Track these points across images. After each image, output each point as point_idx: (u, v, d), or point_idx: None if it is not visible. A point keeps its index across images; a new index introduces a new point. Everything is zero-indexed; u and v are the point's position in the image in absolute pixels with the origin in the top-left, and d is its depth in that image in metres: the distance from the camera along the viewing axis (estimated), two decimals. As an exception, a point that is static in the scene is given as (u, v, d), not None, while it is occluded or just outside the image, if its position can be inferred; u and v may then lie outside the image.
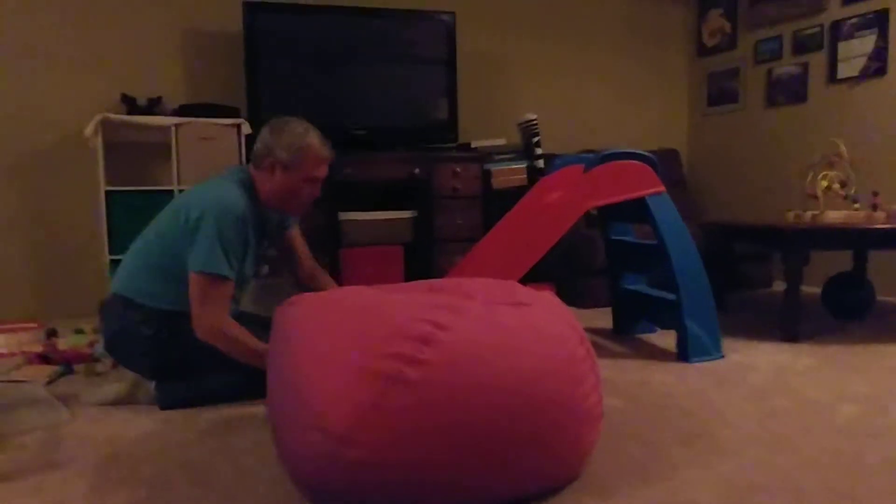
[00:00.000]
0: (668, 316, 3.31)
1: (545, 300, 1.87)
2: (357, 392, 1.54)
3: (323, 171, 2.73)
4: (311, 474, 1.62)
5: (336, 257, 4.39)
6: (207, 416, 2.47)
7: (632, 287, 3.69)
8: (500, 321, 1.70)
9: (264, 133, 2.71)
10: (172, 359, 2.60)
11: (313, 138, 2.68)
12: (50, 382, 2.91)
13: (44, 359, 3.20)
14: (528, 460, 1.66)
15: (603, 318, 4.01)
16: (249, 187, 2.69)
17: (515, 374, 1.62)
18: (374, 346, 1.60)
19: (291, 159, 2.64)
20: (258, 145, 2.70)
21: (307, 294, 1.95)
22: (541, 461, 1.69)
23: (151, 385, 2.60)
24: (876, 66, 4.75)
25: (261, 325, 2.67)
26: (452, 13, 4.91)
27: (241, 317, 2.76)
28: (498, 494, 1.67)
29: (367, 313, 1.71)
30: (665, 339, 3.56)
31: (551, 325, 1.77)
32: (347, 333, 1.67)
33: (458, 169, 4.69)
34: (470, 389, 1.57)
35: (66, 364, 3.09)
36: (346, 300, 1.83)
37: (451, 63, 4.91)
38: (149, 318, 2.58)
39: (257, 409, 2.53)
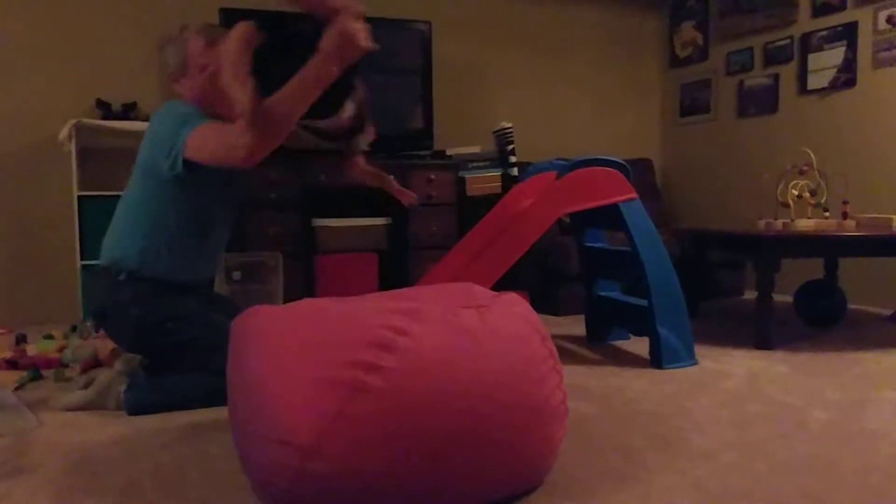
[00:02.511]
0: (641, 323, 3.32)
1: (504, 301, 1.86)
2: (319, 403, 1.52)
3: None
4: (276, 487, 1.60)
5: (310, 264, 4.38)
6: (177, 421, 2.45)
7: (605, 294, 3.71)
8: (460, 324, 1.68)
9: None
10: (156, 343, 2.61)
11: (189, 33, 2.66)
12: (18, 388, 2.87)
13: (12, 364, 3.16)
14: (496, 462, 1.65)
15: (577, 325, 4.02)
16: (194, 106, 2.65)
17: (478, 377, 1.61)
18: (334, 355, 1.58)
19: (181, 61, 2.64)
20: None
21: (263, 306, 1.92)
22: (509, 462, 1.69)
23: (120, 390, 2.57)
24: (845, 78, 4.82)
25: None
26: (428, 22, 4.92)
27: (215, 301, 2.79)
28: (469, 499, 1.66)
29: (325, 323, 1.69)
30: (638, 345, 3.57)
31: (511, 325, 1.76)
32: (307, 344, 1.64)
33: (433, 176, 4.69)
34: (433, 394, 1.56)
35: (35, 369, 3.05)
36: (304, 311, 1.81)
37: (426, 71, 4.92)
38: (138, 296, 2.58)
39: (225, 414, 2.48)
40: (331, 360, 1.57)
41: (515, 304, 1.88)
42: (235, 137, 2.24)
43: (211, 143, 2.37)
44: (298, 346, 1.65)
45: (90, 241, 4.03)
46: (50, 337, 3.64)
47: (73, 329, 3.79)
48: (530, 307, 1.92)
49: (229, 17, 4.43)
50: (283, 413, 1.55)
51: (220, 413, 2.51)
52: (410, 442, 1.54)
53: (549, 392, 1.76)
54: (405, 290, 2.06)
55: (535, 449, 1.74)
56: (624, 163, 3.28)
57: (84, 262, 4.01)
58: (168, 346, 2.61)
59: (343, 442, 1.50)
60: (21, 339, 3.56)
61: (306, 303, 1.87)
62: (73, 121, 4.03)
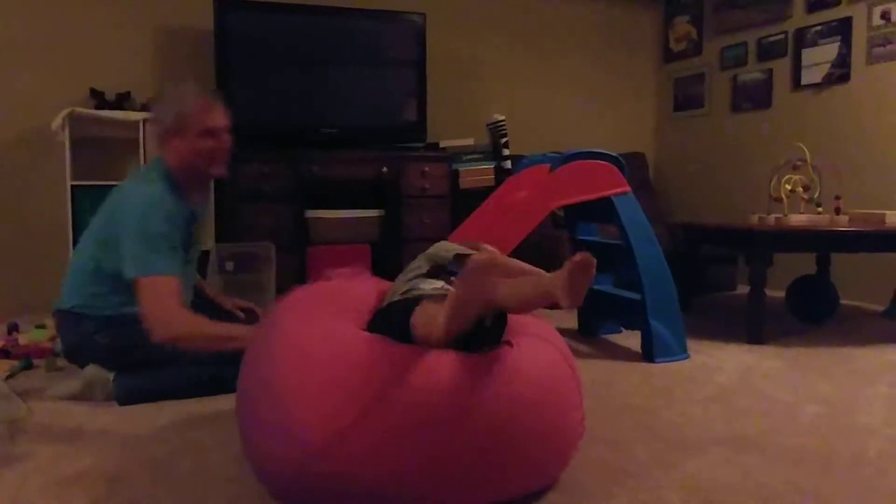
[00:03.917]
0: (633, 316, 3.33)
1: (536, 326, 1.87)
2: (337, 408, 1.52)
3: (215, 120, 2.63)
4: (279, 479, 1.62)
5: (303, 255, 4.37)
6: (168, 411, 2.44)
7: (597, 287, 3.70)
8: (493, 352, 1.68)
9: (151, 113, 2.69)
10: (133, 360, 2.58)
11: (186, 93, 2.61)
12: (9, 377, 2.86)
13: (4, 353, 3.15)
14: (508, 478, 1.66)
15: (569, 318, 4.02)
16: (168, 178, 2.62)
17: (505, 402, 1.61)
18: (360, 362, 1.58)
19: (175, 121, 2.58)
20: (151, 128, 2.67)
21: (295, 296, 1.92)
22: (521, 478, 1.69)
23: (109, 380, 2.56)
24: (839, 73, 4.82)
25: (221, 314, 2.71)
26: (423, 14, 4.91)
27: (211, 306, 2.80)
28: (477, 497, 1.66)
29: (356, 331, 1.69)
30: (630, 339, 3.58)
31: (544, 353, 1.78)
32: (334, 348, 1.64)
33: (427, 168, 4.69)
34: (455, 417, 1.55)
35: (27, 359, 3.05)
36: (341, 300, 1.80)
37: (420, 63, 4.91)
38: (101, 327, 2.57)
39: (218, 404, 2.50)
40: (356, 367, 1.57)
41: (547, 332, 1.90)
42: (161, 321, 2.39)
43: (148, 300, 2.41)
44: (325, 349, 1.64)
45: (83, 231, 3.99)
46: (42, 326, 3.63)
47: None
48: (558, 334, 1.94)
49: (224, 9, 4.42)
50: (299, 411, 1.55)
51: (209, 403, 2.51)
52: (423, 457, 1.54)
53: (572, 417, 1.78)
54: None
55: (549, 467, 1.76)
56: (618, 156, 3.28)
57: (76, 252, 4.00)
58: (147, 355, 2.57)
59: (354, 448, 1.51)
60: (13, 329, 3.54)
61: (345, 286, 1.85)
62: (67, 110, 4.00)
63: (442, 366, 1.58)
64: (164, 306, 2.41)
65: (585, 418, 1.87)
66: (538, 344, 1.81)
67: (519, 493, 1.69)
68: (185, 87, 2.63)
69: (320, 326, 1.72)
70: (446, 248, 2.10)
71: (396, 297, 1.85)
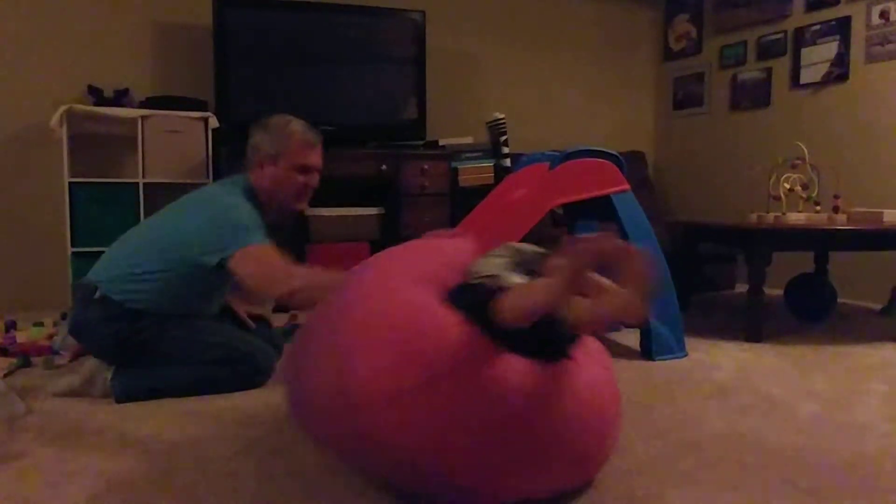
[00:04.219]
0: (632, 314, 3.32)
1: (589, 348, 1.88)
2: (400, 370, 1.54)
3: (313, 159, 2.77)
4: (330, 435, 1.66)
5: (302, 253, 4.37)
6: (166, 408, 2.44)
7: (597, 286, 3.70)
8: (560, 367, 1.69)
9: (251, 134, 2.77)
10: (131, 355, 2.57)
11: (296, 126, 2.73)
12: (7, 374, 2.86)
13: (2, 351, 3.14)
14: (541, 481, 1.66)
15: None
16: (252, 196, 2.71)
17: (561, 411, 1.63)
18: (435, 334, 1.58)
19: (277, 149, 2.69)
20: (248, 148, 2.76)
21: (373, 263, 1.91)
22: (554, 484, 1.70)
23: (107, 377, 2.56)
24: (838, 73, 4.82)
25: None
26: (422, 12, 4.91)
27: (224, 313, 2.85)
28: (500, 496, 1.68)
29: (431, 306, 1.68)
30: (629, 337, 3.57)
31: (598, 371, 1.81)
32: (412, 310, 1.64)
33: (426, 166, 4.69)
34: (515, 413, 1.57)
35: (25, 356, 3.04)
36: (429, 263, 1.81)
37: (420, 61, 4.91)
38: (111, 316, 2.55)
39: (215, 402, 2.50)
40: (428, 336, 1.57)
41: (598, 351, 1.91)
42: (281, 277, 2.41)
43: (253, 266, 2.46)
44: (400, 313, 1.64)
45: (81, 228, 4.01)
46: (40, 324, 3.62)
47: (63, 316, 3.78)
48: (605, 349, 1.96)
49: (223, 5, 4.42)
50: (361, 366, 1.56)
51: (207, 401, 2.51)
52: (471, 442, 1.54)
53: (615, 427, 1.82)
54: None
55: (586, 471, 1.78)
56: (617, 154, 3.28)
57: (75, 249, 3.99)
58: (146, 352, 2.58)
59: (407, 414, 1.52)
60: (11, 326, 3.54)
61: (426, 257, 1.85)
62: (65, 107, 4.00)
63: (514, 364, 1.58)
64: (274, 265, 2.46)
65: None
66: (593, 363, 1.82)
67: (544, 495, 1.69)
68: (292, 120, 2.75)
69: (401, 290, 1.71)
70: (529, 247, 2.09)
71: (478, 279, 1.81)
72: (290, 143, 2.71)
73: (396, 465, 1.58)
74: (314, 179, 2.81)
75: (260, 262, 2.47)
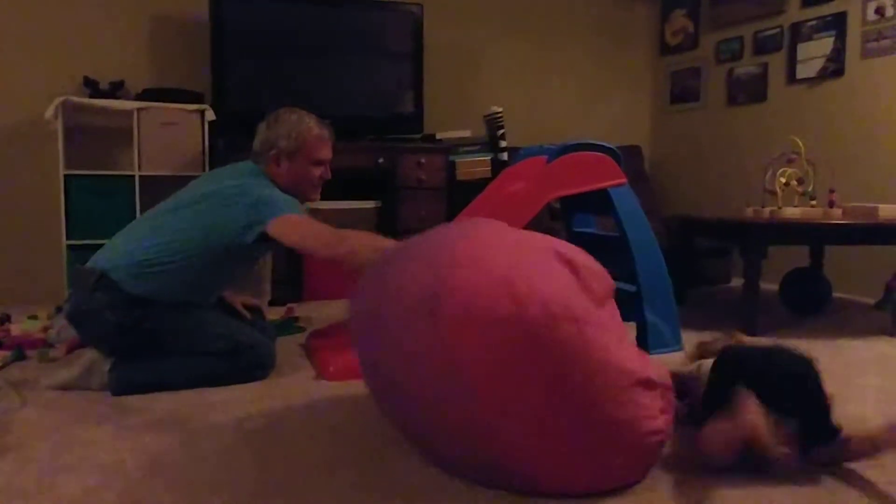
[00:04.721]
0: (628, 307, 3.32)
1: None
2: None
3: (327, 153, 2.84)
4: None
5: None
6: (162, 402, 2.44)
7: (593, 279, 3.70)
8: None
9: (261, 129, 2.81)
10: (135, 343, 2.57)
11: (310, 121, 2.79)
12: (2, 368, 2.86)
13: (-4, 344, 3.14)
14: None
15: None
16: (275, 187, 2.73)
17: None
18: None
19: (293, 146, 2.74)
20: (257, 143, 2.79)
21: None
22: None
23: (104, 370, 2.55)
24: (833, 68, 4.82)
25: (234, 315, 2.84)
26: (420, 5, 4.90)
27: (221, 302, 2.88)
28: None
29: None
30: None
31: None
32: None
33: (423, 160, 4.68)
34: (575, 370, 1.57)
35: (19, 349, 3.03)
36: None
37: (418, 54, 4.90)
38: (115, 304, 2.53)
39: (213, 396, 2.50)
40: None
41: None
42: (335, 242, 2.43)
43: (304, 231, 2.50)
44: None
45: (76, 221, 4.00)
46: (34, 317, 3.63)
47: (58, 309, 3.76)
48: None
49: (219, -3, 4.41)
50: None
51: (204, 395, 2.51)
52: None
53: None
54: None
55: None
56: (614, 148, 3.28)
57: (70, 242, 3.98)
58: (147, 342, 2.57)
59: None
60: (5, 319, 3.54)
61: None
62: (60, 99, 3.99)
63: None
64: (322, 228, 2.49)
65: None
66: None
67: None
68: (305, 115, 2.82)
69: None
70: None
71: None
72: (307, 138, 2.77)
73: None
74: (327, 171, 2.87)
75: (304, 226, 2.50)
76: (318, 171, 2.83)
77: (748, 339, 2.23)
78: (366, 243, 2.38)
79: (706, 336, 3.27)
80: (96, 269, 2.56)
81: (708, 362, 2.10)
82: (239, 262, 2.75)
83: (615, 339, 1.65)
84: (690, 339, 3.35)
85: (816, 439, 1.79)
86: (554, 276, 1.65)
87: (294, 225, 2.50)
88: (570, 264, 1.70)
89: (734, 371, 1.89)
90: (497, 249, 1.70)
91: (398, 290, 1.73)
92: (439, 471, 1.82)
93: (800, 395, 1.80)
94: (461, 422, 1.63)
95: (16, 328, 3.39)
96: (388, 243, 2.33)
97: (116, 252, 2.61)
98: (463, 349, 1.58)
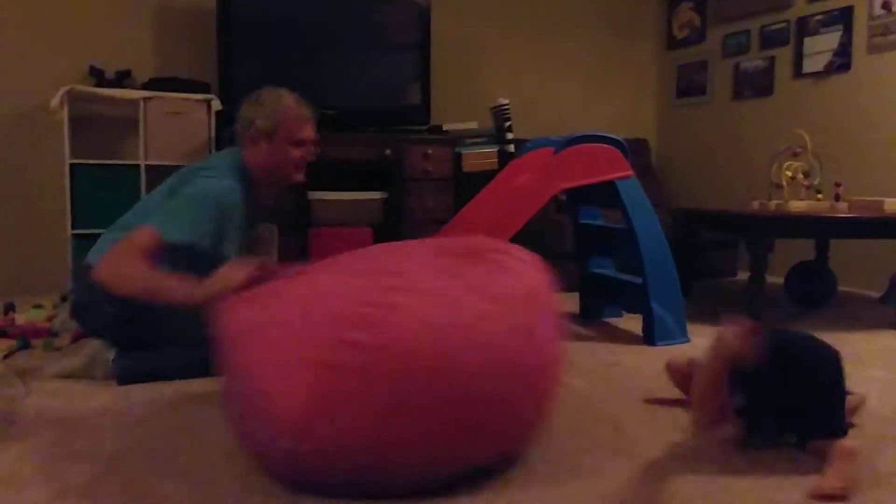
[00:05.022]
0: (634, 300, 3.33)
1: (512, 254, 1.87)
2: (305, 384, 1.52)
3: (308, 132, 2.74)
4: (276, 468, 1.64)
5: (305, 236, 4.36)
6: (168, 391, 2.44)
7: (599, 271, 3.71)
8: (452, 292, 1.66)
9: (241, 109, 2.72)
10: (136, 335, 2.56)
11: (288, 100, 2.69)
12: (7, 357, 2.86)
13: (1, 333, 3.14)
14: (488, 427, 1.65)
15: (570, 302, 4.03)
16: (244, 174, 2.67)
17: (473, 344, 1.59)
18: (317, 334, 1.57)
19: (272, 125, 2.64)
20: (238, 123, 2.72)
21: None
22: (504, 424, 1.69)
23: (109, 359, 2.56)
24: (840, 62, 4.81)
25: None
26: (427, -3, 4.90)
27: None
28: (462, 463, 1.68)
29: (309, 303, 1.68)
30: (632, 323, 3.58)
31: (519, 283, 1.76)
32: (291, 325, 1.63)
33: (430, 151, 4.68)
34: (422, 368, 1.54)
35: (24, 339, 3.03)
36: (288, 291, 1.78)
37: (425, 46, 4.89)
38: (113, 297, 2.52)
39: (218, 386, 2.49)
40: (315, 340, 1.56)
41: (523, 259, 1.88)
42: (124, 265, 2.33)
43: (126, 240, 2.39)
44: (284, 328, 1.64)
45: (81, 210, 3.99)
46: (39, 307, 3.63)
47: (63, 298, 3.76)
48: (538, 260, 1.92)
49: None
50: (273, 397, 1.55)
51: (208, 384, 2.50)
52: (400, 415, 1.53)
53: (551, 351, 1.78)
54: (402, 246, 2.01)
55: (531, 409, 1.76)
56: (621, 140, 3.28)
57: (75, 231, 3.97)
58: (150, 332, 2.57)
59: (332, 420, 1.51)
60: (10, 308, 3.54)
61: (288, 282, 1.84)
62: (66, 88, 3.98)
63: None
64: (126, 250, 2.36)
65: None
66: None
67: (496, 443, 1.72)
68: (284, 94, 2.70)
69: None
70: None
71: None
72: (284, 118, 2.67)
73: (362, 470, 1.58)
74: (310, 152, 2.78)
75: (128, 242, 2.37)
76: (298, 152, 2.73)
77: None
78: (155, 289, 2.28)
79: (707, 327, 3.27)
80: (90, 265, 2.57)
81: None
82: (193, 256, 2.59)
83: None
84: (697, 331, 3.36)
85: (818, 430, 1.79)
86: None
87: (127, 240, 2.37)
88: None
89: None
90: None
91: None
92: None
93: (818, 382, 1.81)
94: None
95: (20, 317, 3.39)
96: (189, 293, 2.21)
97: (106, 246, 2.61)
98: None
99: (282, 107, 2.67)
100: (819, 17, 4.94)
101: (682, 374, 2.28)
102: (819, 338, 2.00)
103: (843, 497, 1.60)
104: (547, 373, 1.77)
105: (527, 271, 1.84)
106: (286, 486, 1.64)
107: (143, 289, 2.30)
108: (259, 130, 2.66)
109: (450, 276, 1.71)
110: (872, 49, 4.62)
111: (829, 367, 1.87)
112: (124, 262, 2.33)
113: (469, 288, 1.68)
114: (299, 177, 2.80)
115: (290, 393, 1.53)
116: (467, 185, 4.60)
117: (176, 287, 2.23)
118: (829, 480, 1.64)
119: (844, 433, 1.78)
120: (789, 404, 1.82)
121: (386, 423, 1.53)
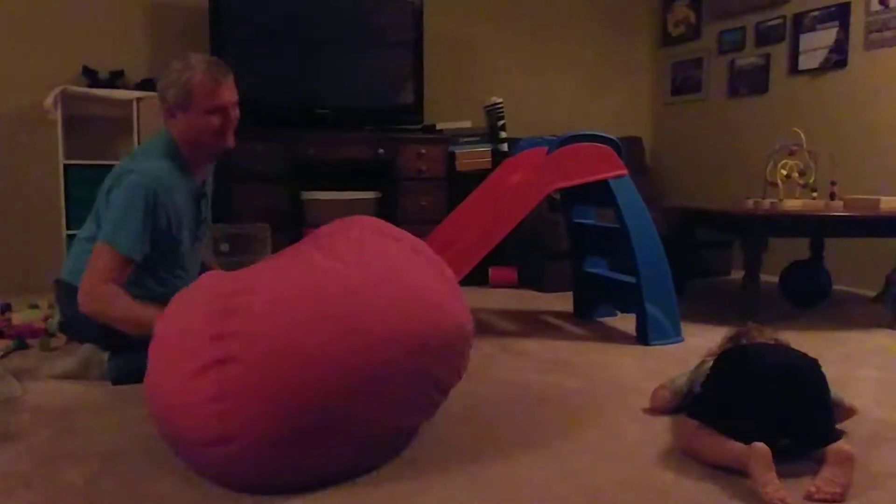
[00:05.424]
0: (628, 299, 3.33)
1: (367, 225, 1.92)
2: (199, 391, 1.54)
3: (224, 97, 2.55)
4: (222, 480, 1.65)
5: (298, 236, 4.35)
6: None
7: (592, 270, 3.71)
8: (317, 266, 1.70)
9: (157, 84, 2.61)
10: (126, 341, 2.56)
11: (195, 69, 2.51)
12: (3, 357, 2.86)
13: (-3, 333, 3.15)
14: (395, 392, 1.66)
15: (564, 301, 4.03)
16: (175, 150, 2.58)
17: (349, 314, 1.61)
18: (194, 341, 1.59)
19: (183, 96, 2.50)
20: (157, 98, 2.61)
21: None
22: (407, 393, 1.70)
23: (104, 360, 2.56)
24: (836, 59, 4.81)
25: None
26: (420, -5, 4.89)
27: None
28: (385, 427, 1.71)
29: (185, 313, 1.70)
30: (625, 322, 3.58)
31: (385, 256, 1.79)
32: (174, 341, 1.66)
33: (423, 150, 4.68)
34: (301, 344, 1.55)
35: (20, 338, 3.04)
36: (176, 305, 1.80)
37: (418, 45, 4.88)
38: None
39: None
40: (190, 349, 1.58)
41: (356, 221, 1.92)
42: (84, 287, 2.38)
43: (91, 265, 2.40)
44: (166, 352, 1.67)
45: (76, 210, 3.99)
46: (35, 306, 3.62)
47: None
48: (393, 227, 1.96)
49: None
50: (180, 418, 1.58)
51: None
52: (298, 394, 1.53)
53: (448, 312, 1.78)
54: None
55: (440, 371, 1.77)
56: (615, 139, 3.28)
57: (70, 232, 3.97)
58: (142, 340, 2.57)
59: (240, 415, 1.52)
60: (6, 309, 3.53)
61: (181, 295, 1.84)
62: (59, 88, 3.98)
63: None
64: (94, 279, 2.37)
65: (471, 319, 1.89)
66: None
67: (411, 412, 1.78)
68: (193, 60, 2.53)
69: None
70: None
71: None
72: (193, 86, 2.50)
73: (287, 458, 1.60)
74: (232, 115, 2.60)
75: (93, 267, 2.39)
76: (216, 119, 2.53)
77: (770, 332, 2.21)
78: (118, 316, 2.36)
79: (701, 326, 3.28)
80: (64, 282, 2.59)
81: (709, 361, 2.10)
82: (164, 252, 2.58)
83: None
84: (690, 330, 3.37)
85: (809, 443, 1.78)
86: None
87: (91, 266, 2.40)
88: None
89: (737, 369, 1.89)
90: None
91: None
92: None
93: (800, 398, 1.80)
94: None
95: (17, 317, 3.38)
96: (146, 316, 2.23)
97: (71, 259, 2.64)
98: None
99: (189, 75, 2.50)
100: (815, 13, 4.93)
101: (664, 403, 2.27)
102: (795, 350, 1.99)
103: (838, 500, 1.61)
104: (454, 333, 1.78)
105: (398, 249, 1.86)
106: (249, 492, 1.65)
107: (124, 325, 2.37)
108: (173, 103, 2.53)
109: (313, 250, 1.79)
110: (869, 45, 4.61)
111: (807, 378, 1.85)
112: (98, 297, 2.37)
113: (316, 250, 1.75)
114: (224, 143, 2.61)
115: (190, 406, 1.55)
116: (461, 185, 4.60)
117: (147, 319, 2.19)
118: (824, 484, 1.63)
119: (836, 438, 1.77)
120: (777, 420, 1.79)
121: (289, 404, 1.53)
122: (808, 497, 1.63)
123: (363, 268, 1.70)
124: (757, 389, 1.80)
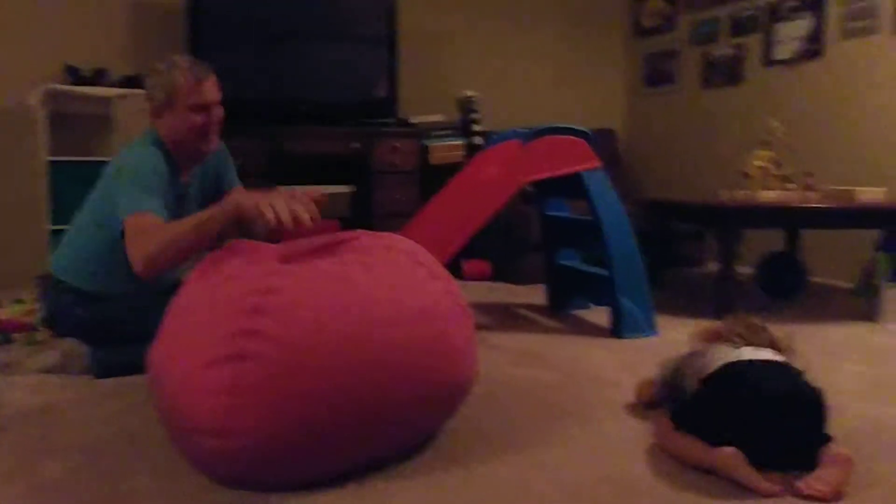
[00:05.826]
0: (601, 292, 3.34)
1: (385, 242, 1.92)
2: (213, 383, 1.54)
3: (206, 96, 2.57)
4: (215, 472, 1.66)
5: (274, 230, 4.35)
6: (144, 385, 2.42)
7: (566, 263, 3.72)
8: (337, 271, 1.71)
9: (144, 84, 2.63)
10: (110, 336, 2.57)
11: (179, 67, 2.54)
12: (-14, 351, 2.87)
13: (-18, 328, 3.13)
14: (407, 396, 1.68)
15: (538, 294, 4.04)
16: (162, 146, 2.59)
17: (367, 319, 1.63)
18: (214, 332, 1.59)
19: (167, 95, 2.53)
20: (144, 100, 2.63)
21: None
22: (418, 401, 1.72)
23: (86, 354, 2.58)
24: (812, 49, 4.81)
25: None
26: (393, -11, 4.88)
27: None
28: (390, 442, 1.73)
29: (203, 303, 1.70)
30: (599, 315, 3.58)
31: (396, 266, 1.81)
32: (191, 329, 1.66)
33: (397, 144, 4.68)
34: (320, 344, 1.57)
35: (5, 333, 3.05)
36: (185, 296, 1.80)
37: (391, 39, 4.88)
38: (81, 300, 2.56)
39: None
40: (212, 338, 1.58)
41: (397, 243, 1.92)
42: (141, 249, 2.19)
43: (132, 234, 2.27)
44: (184, 333, 1.66)
45: (60, 206, 3.99)
46: (20, 301, 3.61)
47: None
48: (414, 244, 1.96)
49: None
50: (186, 403, 1.57)
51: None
52: (314, 395, 1.55)
53: (466, 365, 1.83)
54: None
55: (443, 380, 1.78)
56: (588, 131, 3.28)
57: (54, 227, 3.98)
58: (124, 331, 2.56)
59: (249, 413, 1.52)
60: (-10, 303, 3.53)
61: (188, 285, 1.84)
62: (43, 86, 4.00)
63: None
64: (138, 243, 2.24)
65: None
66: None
67: (420, 419, 1.78)
68: (177, 61, 2.56)
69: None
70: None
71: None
72: (176, 86, 2.53)
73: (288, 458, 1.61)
74: (215, 115, 2.62)
75: (136, 234, 2.26)
76: (199, 118, 2.55)
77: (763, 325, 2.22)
78: (177, 241, 2.16)
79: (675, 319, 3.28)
80: (51, 276, 2.60)
81: (699, 354, 2.07)
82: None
83: None
84: (664, 323, 3.37)
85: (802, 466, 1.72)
86: None
87: (133, 234, 2.26)
88: None
89: (733, 396, 1.81)
90: None
91: None
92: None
93: (800, 433, 1.76)
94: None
95: (2, 312, 3.37)
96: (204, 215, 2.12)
97: (60, 253, 2.65)
98: None
99: (173, 75, 2.53)
100: (790, 3, 4.92)
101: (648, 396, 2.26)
102: (795, 371, 1.94)
103: (827, 499, 1.59)
104: (458, 343, 1.81)
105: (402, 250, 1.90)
106: (232, 486, 1.65)
107: (185, 244, 2.16)
108: (157, 103, 2.56)
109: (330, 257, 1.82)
110: (845, 35, 4.58)
111: (809, 411, 1.79)
112: (149, 242, 2.19)
113: (357, 265, 1.76)
114: (208, 143, 2.63)
115: (201, 395, 1.55)
116: (435, 178, 4.60)
117: (202, 222, 2.11)
118: (814, 481, 1.62)
119: (829, 440, 1.74)
120: (771, 451, 1.75)
121: (303, 405, 1.55)
122: (797, 493, 1.61)
123: (397, 304, 1.70)
124: (754, 420, 1.73)
